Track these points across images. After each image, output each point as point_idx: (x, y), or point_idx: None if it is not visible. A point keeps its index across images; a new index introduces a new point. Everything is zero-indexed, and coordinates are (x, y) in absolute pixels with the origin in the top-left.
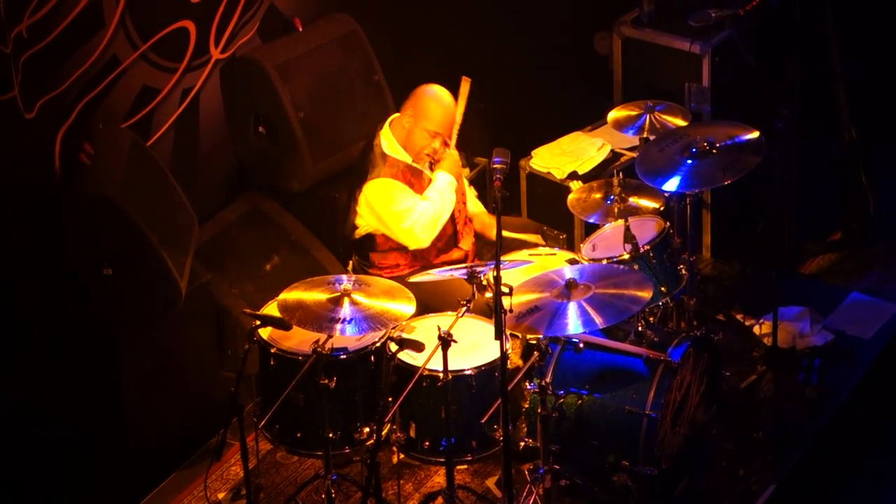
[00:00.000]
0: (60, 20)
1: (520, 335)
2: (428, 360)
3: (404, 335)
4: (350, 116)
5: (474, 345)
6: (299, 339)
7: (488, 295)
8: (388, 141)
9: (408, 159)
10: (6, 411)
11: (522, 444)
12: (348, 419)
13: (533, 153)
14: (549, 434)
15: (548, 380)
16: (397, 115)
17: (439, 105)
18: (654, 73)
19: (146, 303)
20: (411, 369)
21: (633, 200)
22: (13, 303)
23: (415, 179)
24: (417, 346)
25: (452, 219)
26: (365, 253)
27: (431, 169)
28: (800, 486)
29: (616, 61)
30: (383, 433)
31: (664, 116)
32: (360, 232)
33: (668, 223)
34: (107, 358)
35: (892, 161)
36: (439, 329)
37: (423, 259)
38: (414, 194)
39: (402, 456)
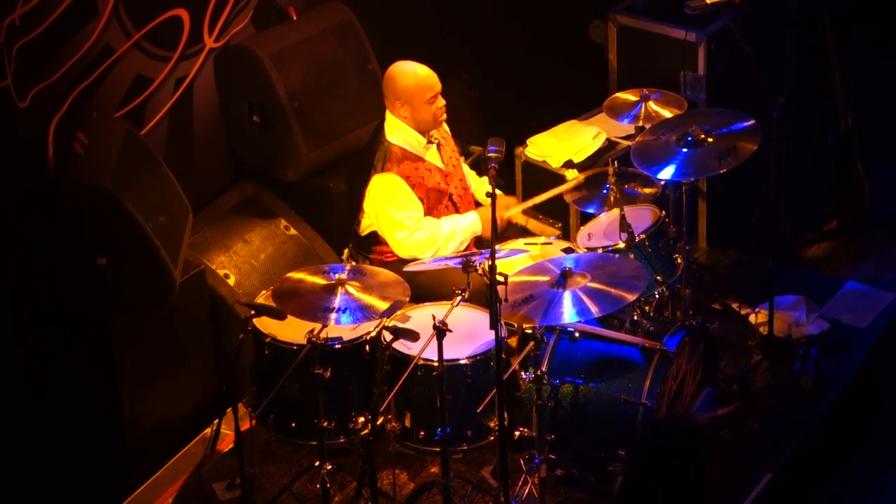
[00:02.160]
0: (53, 9)
1: (515, 324)
2: (423, 349)
3: (399, 324)
4: (345, 105)
5: (470, 334)
6: (293, 329)
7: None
8: (399, 130)
9: (422, 140)
10: (1, 401)
11: (518, 433)
12: (343, 409)
13: (528, 141)
14: (544, 424)
15: (543, 369)
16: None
17: (414, 76)
18: (650, 62)
19: (140, 292)
20: (406, 359)
21: (628, 189)
22: (6, 292)
23: (416, 166)
24: (412, 336)
25: (455, 207)
26: (368, 246)
27: (439, 150)
28: (795, 476)
29: (611, 49)
30: (378, 423)
31: (659, 105)
32: (365, 230)
33: (663, 212)
34: (101, 347)
35: (888, 149)
36: (434, 318)
37: None
38: (419, 207)
39: (397, 445)
